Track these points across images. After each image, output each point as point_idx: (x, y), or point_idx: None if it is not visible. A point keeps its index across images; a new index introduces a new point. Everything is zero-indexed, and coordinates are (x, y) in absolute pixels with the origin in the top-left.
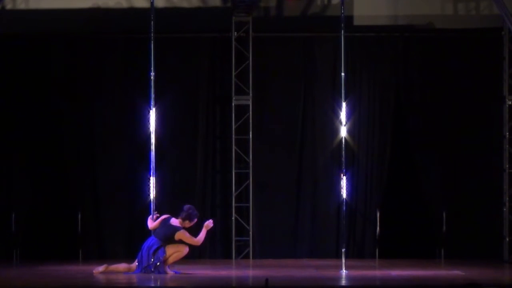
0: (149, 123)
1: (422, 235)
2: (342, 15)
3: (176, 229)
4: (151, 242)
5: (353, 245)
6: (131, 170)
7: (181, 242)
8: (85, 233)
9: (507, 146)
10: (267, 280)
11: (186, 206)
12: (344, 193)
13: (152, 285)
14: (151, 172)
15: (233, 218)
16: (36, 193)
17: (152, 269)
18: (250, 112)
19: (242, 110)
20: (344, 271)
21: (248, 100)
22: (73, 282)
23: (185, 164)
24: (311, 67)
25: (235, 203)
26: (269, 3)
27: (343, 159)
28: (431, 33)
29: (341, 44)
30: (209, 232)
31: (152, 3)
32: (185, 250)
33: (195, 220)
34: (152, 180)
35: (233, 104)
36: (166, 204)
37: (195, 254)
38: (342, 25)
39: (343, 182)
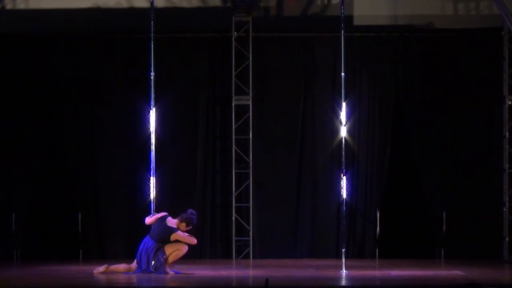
0: (149, 123)
1: (422, 235)
2: (342, 15)
3: (172, 230)
4: (149, 244)
5: (353, 245)
6: (131, 170)
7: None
8: (85, 233)
9: (507, 146)
10: (267, 280)
11: (191, 211)
12: (344, 193)
13: (152, 285)
14: (151, 172)
15: (233, 218)
16: (36, 193)
17: (153, 270)
18: (250, 112)
19: (242, 110)
20: (344, 271)
21: (248, 100)
22: (73, 282)
23: (185, 164)
24: (311, 67)
25: (235, 203)
26: (269, 3)
27: (343, 159)
28: (431, 33)
29: (341, 44)
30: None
31: (152, 3)
32: (184, 249)
33: (191, 227)
34: (152, 180)
35: (233, 104)
36: (166, 204)
37: (195, 254)
38: (342, 25)
39: (343, 182)
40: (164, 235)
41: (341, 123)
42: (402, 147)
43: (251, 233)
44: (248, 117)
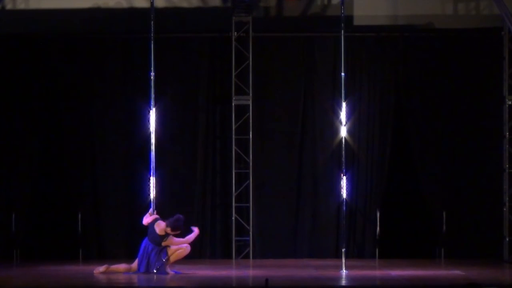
0: (149, 123)
1: (422, 235)
2: (342, 15)
3: (161, 237)
4: (149, 248)
5: (353, 245)
6: (131, 170)
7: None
8: (85, 233)
9: (507, 146)
10: (267, 280)
11: (177, 216)
12: (344, 193)
13: (152, 285)
14: (151, 172)
15: (233, 218)
16: (36, 193)
17: (155, 271)
18: (250, 112)
19: (242, 110)
20: (344, 271)
21: (248, 100)
22: (73, 282)
23: (185, 164)
24: (311, 67)
25: (235, 203)
26: (269, 3)
27: (343, 159)
28: (431, 33)
29: (341, 44)
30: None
31: (152, 3)
32: (187, 248)
33: (178, 232)
34: (152, 180)
35: (233, 104)
36: (166, 204)
37: (195, 254)
38: (342, 25)
39: (343, 182)
40: (156, 240)
41: (341, 123)
42: (402, 147)
43: (251, 233)
44: (248, 117)
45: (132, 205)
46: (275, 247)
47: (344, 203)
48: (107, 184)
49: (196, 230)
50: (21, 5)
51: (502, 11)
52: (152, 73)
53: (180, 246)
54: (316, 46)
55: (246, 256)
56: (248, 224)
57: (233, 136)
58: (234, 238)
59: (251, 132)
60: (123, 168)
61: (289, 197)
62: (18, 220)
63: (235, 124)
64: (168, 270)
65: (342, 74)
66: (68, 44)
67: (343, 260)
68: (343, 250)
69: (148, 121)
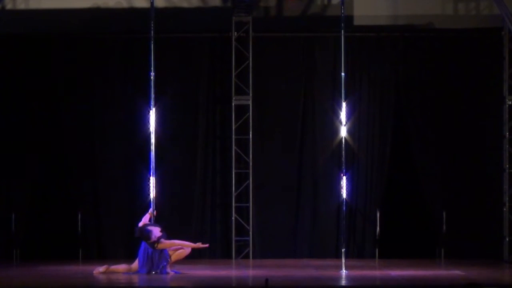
0: (149, 123)
1: (422, 235)
2: (342, 15)
3: (151, 244)
4: (149, 250)
5: (353, 245)
6: (131, 170)
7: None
8: (85, 233)
9: (507, 146)
10: (267, 280)
11: (146, 228)
12: (344, 193)
13: (152, 285)
14: (151, 172)
15: (233, 218)
16: (36, 193)
17: (158, 271)
18: (250, 112)
19: (242, 110)
20: (344, 271)
21: (248, 100)
22: (73, 282)
23: (185, 164)
24: (311, 67)
25: (235, 203)
26: (269, 3)
27: (343, 159)
28: (431, 33)
29: (341, 44)
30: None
31: (152, 3)
32: (187, 248)
33: (153, 238)
34: (152, 180)
35: (233, 104)
36: (166, 204)
37: (195, 254)
38: (342, 25)
39: (343, 182)
40: (151, 246)
41: (341, 123)
42: (402, 147)
43: (251, 233)
44: (248, 117)
45: (132, 205)
46: (275, 247)
47: (344, 203)
48: (107, 184)
49: (200, 245)
50: (21, 5)
51: (502, 11)
52: (152, 73)
53: (181, 244)
54: (316, 46)
55: (246, 256)
56: (248, 224)
57: (233, 136)
58: (234, 238)
59: (251, 132)
60: (123, 168)
61: (289, 197)
62: (18, 220)
63: (235, 124)
64: (168, 270)
65: (342, 74)
66: (68, 44)
67: (343, 260)
68: (343, 250)
69: (148, 121)
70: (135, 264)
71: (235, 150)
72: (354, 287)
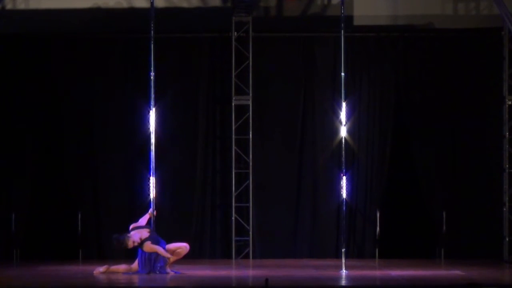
0: (149, 123)
1: (422, 235)
2: (342, 15)
3: (140, 245)
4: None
5: (353, 245)
6: (131, 170)
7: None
8: (85, 233)
9: (507, 146)
10: (267, 280)
11: (114, 239)
12: (344, 193)
13: (152, 285)
14: (151, 172)
15: (233, 218)
16: (36, 193)
17: (157, 272)
18: (250, 112)
19: (242, 110)
20: (344, 271)
21: (248, 100)
22: (73, 282)
23: (185, 164)
24: (311, 67)
25: (235, 203)
26: (269, 3)
27: (343, 159)
28: (431, 33)
29: (341, 44)
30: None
31: (152, 3)
32: (185, 248)
33: (131, 244)
34: (152, 180)
35: (233, 104)
36: (166, 204)
37: (195, 254)
38: (342, 25)
39: (343, 182)
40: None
41: (341, 123)
42: (402, 147)
43: (251, 233)
44: (248, 117)
45: (132, 205)
46: (275, 247)
47: (344, 203)
48: (107, 184)
49: (172, 258)
50: (21, 5)
51: (502, 11)
52: (152, 73)
53: (161, 253)
54: (316, 46)
55: (246, 256)
56: (248, 224)
57: (233, 136)
58: (234, 238)
59: (251, 132)
60: (123, 168)
61: (289, 197)
62: (18, 220)
63: (235, 124)
64: (168, 270)
65: (342, 74)
66: (68, 44)
67: (343, 260)
68: (343, 250)
69: (148, 121)
70: (135, 264)
71: (235, 150)
72: (354, 287)
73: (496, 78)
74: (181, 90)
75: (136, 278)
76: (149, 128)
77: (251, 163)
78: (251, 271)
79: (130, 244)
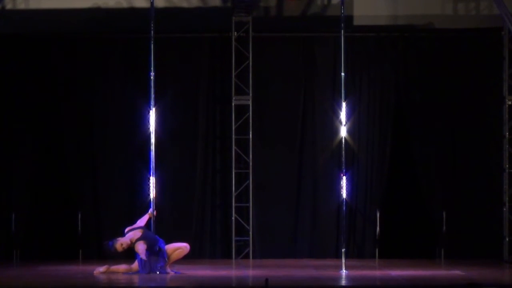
0: (149, 123)
1: (422, 235)
2: (342, 15)
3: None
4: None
5: (353, 245)
6: (131, 170)
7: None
8: (85, 233)
9: (507, 146)
10: (267, 280)
11: (104, 246)
12: (344, 193)
13: (152, 285)
14: (151, 172)
15: (233, 218)
16: (36, 193)
17: (157, 272)
18: (250, 112)
19: (242, 110)
20: (344, 271)
21: (248, 100)
22: (73, 282)
23: (185, 164)
24: (311, 67)
25: (235, 203)
26: (269, 3)
27: (343, 159)
28: (431, 33)
29: (341, 44)
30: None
31: (152, 3)
32: (186, 248)
33: (117, 248)
34: (152, 180)
35: (233, 104)
36: (166, 204)
37: (195, 254)
38: (342, 25)
39: (343, 182)
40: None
41: (341, 123)
42: (402, 147)
43: (251, 233)
44: (248, 117)
45: (132, 205)
46: (275, 247)
47: (344, 203)
48: (107, 184)
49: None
50: (21, 5)
51: (502, 11)
52: (152, 73)
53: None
54: (316, 46)
55: (246, 256)
56: (248, 224)
57: (233, 136)
58: (234, 238)
59: (251, 132)
60: (123, 168)
61: (289, 197)
62: (18, 220)
63: (235, 124)
64: (168, 270)
65: (342, 74)
66: (68, 44)
67: (343, 260)
68: (343, 250)
69: (148, 121)
70: (135, 264)
71: (235, 150)
72: (354, 287)
73: (496, 78)
74: (181, 90)
75: (136, 278)
76: (149, 128)
77: (251, 163)
78: (251, 271)
79: (119, 248)
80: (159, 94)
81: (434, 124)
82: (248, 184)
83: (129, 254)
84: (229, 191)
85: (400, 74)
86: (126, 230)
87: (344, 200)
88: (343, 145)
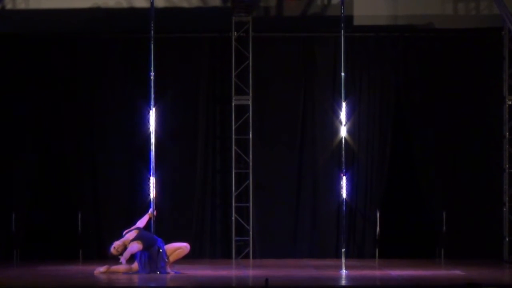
0: (149, 123)
1: (422, 235)
2: (342, 15)
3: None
4: (146, 253)
5: (353, 245)
6: (131, 170)
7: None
8: (85, 233)
9: (507, 146)
10: (267, 280)
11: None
12: (344, 193)
13: (152, 285)
14: (151, 172)
15: (233, 218)
16: (36, 193)
17: (157, 272)
18: (250, 112)
19: (242, 110)
20: (344, 271)
21: (248, 100)
22: (73, 282)
23: (185, 164)
24: (311, 67)
25: (235, 203)
26: (269, 3)
27: (343, 159)
28: (431, 33)
29: (341, 44)
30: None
31: (152, 3)
32: (186, 248)
33: (112, 253)
34: (152, 180)
35: (233, 104)
36: (166, 204)
37: (195, 254)
38: (342, 25)
39: (343, 182)
40: None
41: (341, 123)
42: (402, 147)
43: (251, 233)
44: (248, 117)
45: (132, 205)
46: (275, 247)
47: (344, 203)
48: (107, 184)
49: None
50: (21, 5)
51: (502, 11)
52: (152, 73)
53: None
54: (316, 46)
55: (246, 256)
56: (248, 224)
57: (233, 136)
58: (234, 238)
59: (251, 132)
60: (123, 168)
61: (289, 197)
62: (18, 220)
63: (235, 124)
64: (168, 270)
65: (342, 74)
66: (68, 44)
67: (343, 260)
68: (343, 250)
69: (148, 121)
70: (136, 264)
71: (235, 150)
72: (354, 287)
73: (496, 78)
74: (181, 90)
75: (136, 278)
76: (149, 128)
77: (251, 163)
78: (251, 271)
79: (114, 252)
80: (159, 94)
81: (434, 124)
82: (248, 184)
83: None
84: (229, 191)
85: (400, 74)
86: (124, 232)
87: (344, 200)
88: (343, 145)
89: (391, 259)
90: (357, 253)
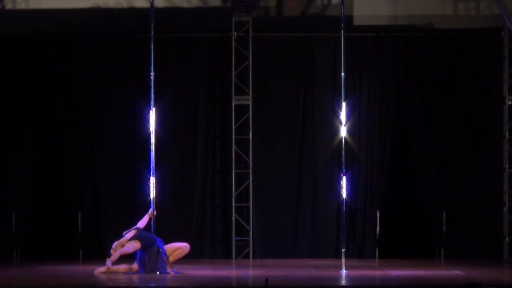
0: (149, 123)
1: (422, 235)
2: (342, 15)
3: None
4: (144, 253)
5: (353, 245)
6: (131, 170)
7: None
8: (85, 233)
9: (507, 146)
10: (267, 280)
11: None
12: (344, 193)
13: (152, 285)
14: (151, 172)
15: (233, 218)
16: (36, 193)
17: (157, 272)
18: (250, 112)
19: (242, 110)
20: (344, 271)
21: (248, 100)
22: (73, 282)
23: (185, 164)
24: (311, 67)
25: (235, 203)
26: (269, 3)
27: (343, 159)
28: (431, 33)
29: (341, 44)
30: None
31: (152, 3)
32: (186, 248)
33: (112, 253)
34: (152, 180)
35: (233, 104)
36: (166, 204)
37: (195, 254)
38: (342, 25)
39: (343, 182)
40: None
41: (341, 123)
42: (402, 147)
43: (251, 233)
44: (248, 117)
45: (132, 205)
46: (275, 247)
47: (344, 203)
48: (107, 184)
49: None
50: (21, 5)
51: (502, 11)
52: (152, 73)
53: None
54: (316, 46)
55: (246, 256)
56: (248, 224)
57: (233, 136)
58: (234, 238)
59: (251, 132)
60: (123, 168)
61: (289, 197)
62: (18, 220)
63: (235, 124)
64: (168, 270)
65: (342, 74)
66: (68, 44)
67: (343, 260)
68: (343, 250)
69: (148, 121)
70: (136, 264)
71: (235, 150)
72: (354, 287)
73: (496, 78)
74: (181, 90)
75: (136, 278)
76: (149, 128)
77: (251, 163)
78: (251, 271)
79: (113, 253)
80: (159, 94)
81: (434, 124)
82: (248, 184)
83: (129, 254)
84: (229, 191)
85: (400, 74)
86: (124, 233)
87: (344, 200)
88: (343, 145)
89: (391, 259)
90: (357, 253)
